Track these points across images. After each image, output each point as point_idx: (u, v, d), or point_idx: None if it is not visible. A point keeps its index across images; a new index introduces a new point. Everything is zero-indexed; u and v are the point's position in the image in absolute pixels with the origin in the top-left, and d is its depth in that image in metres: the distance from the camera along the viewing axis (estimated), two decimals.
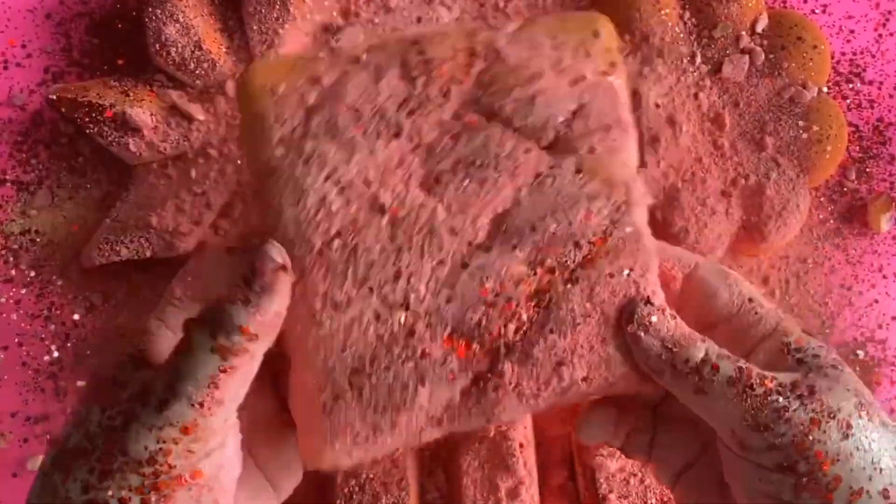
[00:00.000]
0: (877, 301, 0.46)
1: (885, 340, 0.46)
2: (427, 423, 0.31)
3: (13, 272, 0.45)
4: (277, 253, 0.29)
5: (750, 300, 0.32)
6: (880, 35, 0.48)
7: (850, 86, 0.47)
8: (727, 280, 0.32)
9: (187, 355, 0.27)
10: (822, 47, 0.45)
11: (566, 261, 0.31)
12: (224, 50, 0.44)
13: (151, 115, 0.42)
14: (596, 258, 0.31)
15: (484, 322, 0.31)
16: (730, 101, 0.45)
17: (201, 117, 0.43)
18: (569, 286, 0.31)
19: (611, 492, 0.43)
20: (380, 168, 0.31)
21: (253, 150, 0.32)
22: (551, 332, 0.31)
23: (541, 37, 0.33)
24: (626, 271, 0.31)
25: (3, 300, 0.44)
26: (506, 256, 0.31)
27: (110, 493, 0.26)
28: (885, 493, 0.28)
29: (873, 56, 0.48)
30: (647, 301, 0.31)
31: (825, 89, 0.46)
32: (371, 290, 0.31)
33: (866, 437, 0.28)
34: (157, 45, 0.43)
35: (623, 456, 0.43)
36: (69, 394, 0.44)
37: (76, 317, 0.45)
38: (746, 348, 0.31)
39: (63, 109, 0.42)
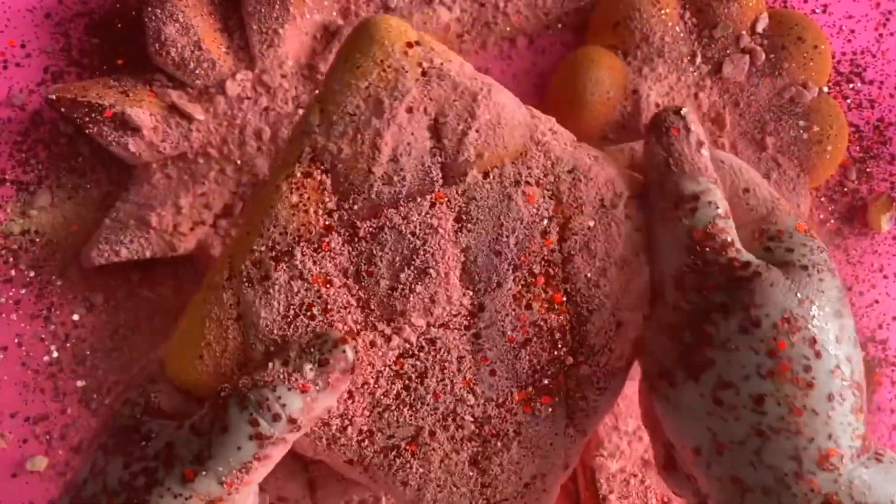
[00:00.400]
0: (877, 301, 0.46)
1: (886, 340, 0.46)
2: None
3: (13, 272, 0.45)
4: (352, 352, 0.28)
5: (745, 191, 0.31)
6: (881, 35, 0.48)
7: (851, 86, 0.47)
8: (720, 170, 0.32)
9: (222, 436, 0.26)
10: (823, 47, 0.45)
11: (543, 251, 0.30)
12: (224, 50, 0.43)
13: (151, 115, 0.42)
14: (568, 223, 0.31)
15: (535, 361, 0.30)
16: (730, 101, 0.45)
17: (201, 117, 0.43)
18: (569, 266, 0.31)
19: (611, 492, 0.43)
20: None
21: (333, 86, 0.30)
22: (589, 311, 0.30)
23: None
24: (598, 204, 0.31)
25: (2, 300, 0.44)
26: (498, 297, 0.30)
27: None
28: (757, 399, 0.27)
29: (874, 56, 0.48)
30: (677, 111, 0.30)
31: (826, 89, 0.46)
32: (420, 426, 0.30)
33: (755, 343, 0.27)
34: (157, 45, 0.43)
35: (623, 456, 0.43)
36: (69, 394, 0.44)
37: (76, 317, 0.45)
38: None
39: (63, 109, 0.42)
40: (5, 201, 0.45)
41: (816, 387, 0.26)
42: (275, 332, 0.29)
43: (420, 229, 0.30)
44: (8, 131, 0.45)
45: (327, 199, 0.30)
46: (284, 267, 0.29)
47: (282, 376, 0.27)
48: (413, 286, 0.30)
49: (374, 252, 0.30)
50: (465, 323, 0.30)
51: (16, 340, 0.44)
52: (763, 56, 0.45)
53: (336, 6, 0.45)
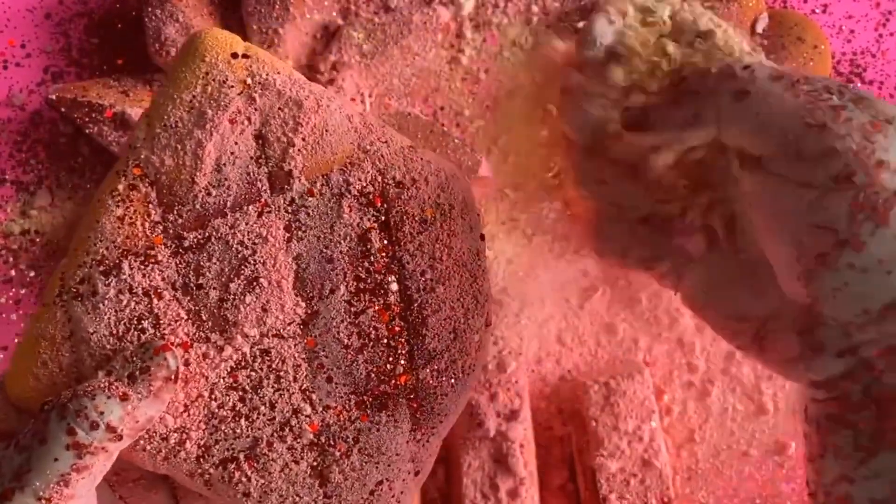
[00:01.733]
0: None
1: None
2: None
3: (13, 272, 0.45)
4: (174, 360, 0.28)
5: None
6: (881, 35, 0.48)
7: (851, 86, 0.47)
8: None
9: (40, 448, 0.25)
10: (823, 47, 0.45)
11: (375, 257, 0.30)
12: None
13: None
14: (399, 230, 0.30)
15: (372, 367, 0.30)
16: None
17: None
18: (403, 272, 0.30)
19: (611, 492, 0.43)
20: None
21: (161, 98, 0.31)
22: (423, 317, 0.30)
23: None
24: (432, 209, 0.31)
25: (2, 300, 0.44)
26: (332, 304, 0.30)
27: None
28: None
29: (874, 56, 0.48)
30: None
31: None
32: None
33: None
34: (157, 45, 0.43)
35: (623, 456, 0.43)
36: None
37: None
38: None
39: (63, 109, 0.42)
40: (5, 201, 0.45)
41: None
42: (106, 346, 0.29)
43: (248, 238, 0.30)
44: (8, 131, 0.45)
45: (153, 212, 0.30)
46: (113, 281, 0.29)
47: (102, 385, 0.26)
48: (243, 296, 0.30)
49: (202, 263, 0.30)
50: (300, 331, 0.30)
51: (16, 340, 0.44)
52: (763, 56, 0.44)
53: (336, 6, 0.45)
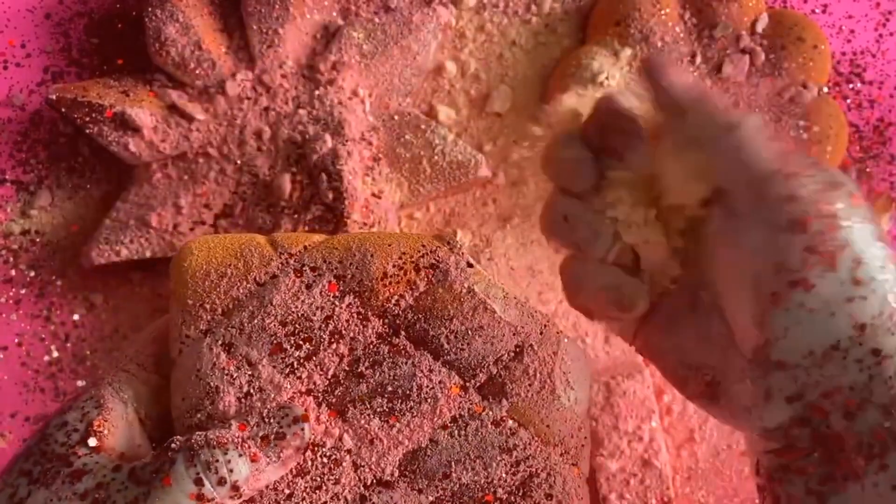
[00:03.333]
0: None
1: None
2: None
3: (13, 272, 0.45)
4: (309, 432, 0.27)
5: None
6: (881, 35, 0.48)
7: (851, 86, 0.47)
8: None
9: (163, 489, 0.25)
10: (823, 47, 0.45)
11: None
12: (224, 50, 0.43)
13: (151, 115, 0.42)
14: None
15: None
16: (730, 100, 0.45)
17: (201, 117, 0.43)
18: None
19: (611, 492, 0.43)
20: (289, 386, 0.29)
21: (172, 328, 0.31)
22: None
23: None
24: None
25: (2, 300, 0.44)
26: (409, 499, 0.29)
27: None
28: (883, 266, 0.27)
29: (874, 56, 0.48)
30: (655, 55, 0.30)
31: (825, 89, 0.46)
32: None
33: (874, 210, 0.28)
34: (157, 45, 0.43)
35: (623, 456, 0.43)
36: (69, 394, 0.44)
37: (76, 317, 0.45)
38: None
39: (63, 109, 0.42)
40: (5, 201, 0.45)
41: None
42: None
43: (429, 390, 0.30)
44: (8, 131, 0.45)
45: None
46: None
47: (236, 440, 0.26)
48: (377, 411, 0.29)
49: (382, 364, 0.30)
50: (367, 484, 0.29)
51: (16, 340, 0.44)
52: (763, 56, 0.45)
53: (336, 6, 0.45)
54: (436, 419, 0.29)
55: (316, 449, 0.29)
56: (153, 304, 0.45)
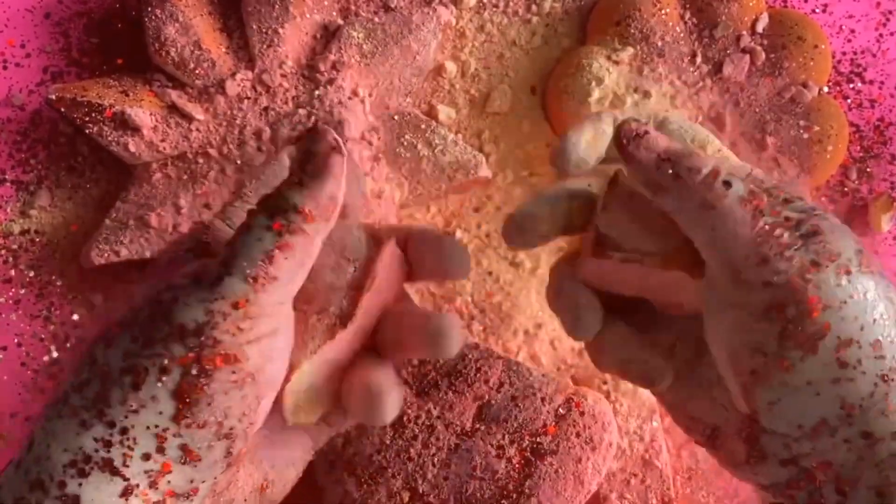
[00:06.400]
0: None
1: None
2: None
3: (13, 272, 0.45)
4: (331, 135, 0.28)
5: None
6: (881, 35, 0.48)
7: (851, 85, 0.47)
8: None
9: (245, 234, 0.26)
10: (823, 47, 0.45)
11: (532, 439, 0.40)
12: (224, 49, 0.43)
13: (151, 114, 0.42)
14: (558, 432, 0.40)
15: (478, 492, 0.39)
16: (730, 100, 0.45)
17: (201, 117, 0.43)
18: (539, 460, 0.40)
19: (611, 492, 0.43)
20: None
21: None
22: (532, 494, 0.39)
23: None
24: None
25: (2, 300, 0.44)
26: (487, 438, 0.40)
27: (151, 361, 0.25)
28: (875, 345, 0.26)
29: (874, 56, 0.48)
30: (635, 119, 0.29)
31: (826, 89, 0.46)
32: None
33: (862, 286, 0.26)
34: (157, 45, 0.43)
35: (624, 456, 0.43)
36: None
37: (76, 317, 0.45)
38: None
39: (62, 109, 0.42)
40: (5, 201, 0.45)
41: None
42: None
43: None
44: (8, 131, 0.45)
45: None
46: None
47: (286, 182, 0.28)
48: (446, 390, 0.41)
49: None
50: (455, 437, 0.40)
51: (16, 340, 0.44)
52: (763, 56, 0.44)
53: (336, 6, 0.45)
54: (490, 383, 0.41)
55: (415, 420, 0.40)
56: None
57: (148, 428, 0.25)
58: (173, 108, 0.43)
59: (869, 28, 0.48)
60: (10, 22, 0.46)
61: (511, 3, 0.47)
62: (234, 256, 0.26)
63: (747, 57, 0.44)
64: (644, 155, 0.28)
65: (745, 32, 0.45)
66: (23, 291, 0.45)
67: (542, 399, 0.40)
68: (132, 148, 0.42)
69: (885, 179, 0.47)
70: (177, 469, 0.26)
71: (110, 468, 0.25)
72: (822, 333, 0.26)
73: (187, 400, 0.25)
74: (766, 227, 0.27)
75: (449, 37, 0.46)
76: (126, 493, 0.25)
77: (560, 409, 0.41)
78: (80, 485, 0.25)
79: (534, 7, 0.47)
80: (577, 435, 0.40)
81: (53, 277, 0.45)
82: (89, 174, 0.45)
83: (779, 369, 0.26)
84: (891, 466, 0.26)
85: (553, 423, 0.40)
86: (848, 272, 0.26)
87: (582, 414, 0.40)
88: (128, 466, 0.25)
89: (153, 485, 0.26)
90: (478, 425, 0.40)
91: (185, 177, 0.43)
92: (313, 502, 0.41)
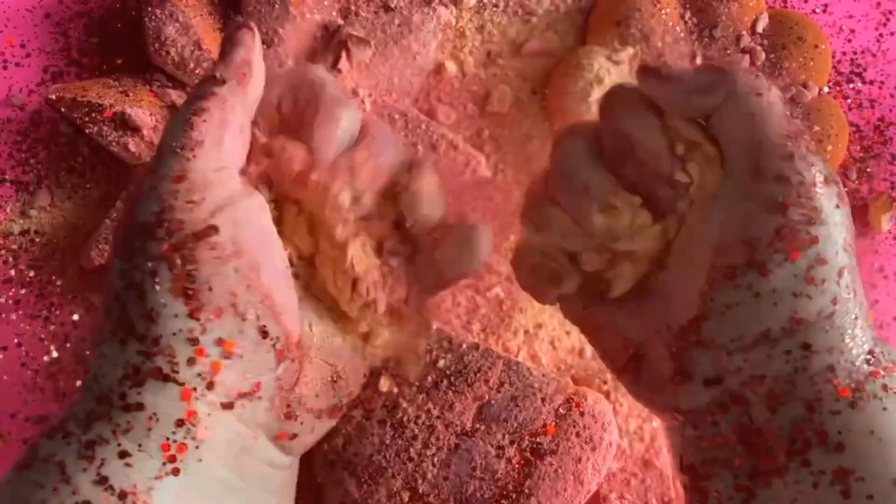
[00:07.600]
0: (877, 301, 0.46)
1: (886, 340, 0.46)
2: None
3: (13, 272, 0.45)
4: (239, 20, 0.31)
5: None
6: (881, 35, 0.48)
7: (851, 85, 0.47)
8: None
9: (170, 119, 0.28)
10: (823, 47, 0.45)
11: (532, 439, 0.40)
12: None
13: (151, 114, 0.42)
14: (558, 432, 0.40)
15: (478, 493, 0.39)
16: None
17: None
18: (539, 460, 0.40)
19: (611, 492, 0.43)
20: None
21: None
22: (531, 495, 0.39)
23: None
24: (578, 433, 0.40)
25: (2, 300, 0.44)
26: (487, 438, 0.40)
27: (139, 270, 0.26)
28: (840, 272, 0.27)
29: (874, 56, 0.48)
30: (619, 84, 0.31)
31: (826, 89, 0.46)
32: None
33: (848, 217, 0.28)
34: (157, 45, 0.43)
35: (624, 456, 0.43)
36: (69, 394, 0.44)
37: (76, 317, 0.45)
38: None
39: (63, 109, 0.42)
40: (5, 201, 0.45)
41: None
42: None
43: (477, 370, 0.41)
44: (8, 131, 0.45)
45: None
46: None
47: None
48: (446, 390, 0.41)
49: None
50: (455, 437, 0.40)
51: (16, 340, 0.44)
52: (763, 56, 0.45)
53: (336, 6, 0.45)
54: (490, 383, 0.41)
55: (415, 420, 0.40)
56: None
57: (174, 334, 0.26)
58: (173, 109, 0.43)
59: (869, 28, 0.48)
60: (10, 22, 0.46)
61: (511, 3, 0.47)
62: (162, 139, 0.28)
63: (747, 57, 0.44)
64: (678, 69, 0.30)
65: (745, 33, 0.45)
66: (23, 291, 0.45)
67: (542, 399, 0.40)
68: (132, 148, 0.42)
69: (885, 179, 0.47)
70: (225, 365, 0.27)
71: (161, 376, 0.26)
72: (809, 244, 0.27)
73: (189, 293, 0.26)
74: (798, 130, 0.28)
75: (449, 37, 0.46)
76: (185, 396, 0.26)
77: (560, 409, 0.40)
78: (139, 393, 0.26)
79: (534, 7, 0.47)
80: (577, 435, 0.40)
81: (53, 277, 0.45)
82: (89, 174, 0.45)
83: (756, 271, 0.27)
84: (824, 380, 0.27)
85: (553, 423, 0.40)
86: (842, 200, 0.28)
87: (582, 414, 0.40)
88: (177, 372, 0.26)
89: (211, 386, 0.27)
90: (478, 425, 0.40)
91: None
92: (313, 502, 0.42)
